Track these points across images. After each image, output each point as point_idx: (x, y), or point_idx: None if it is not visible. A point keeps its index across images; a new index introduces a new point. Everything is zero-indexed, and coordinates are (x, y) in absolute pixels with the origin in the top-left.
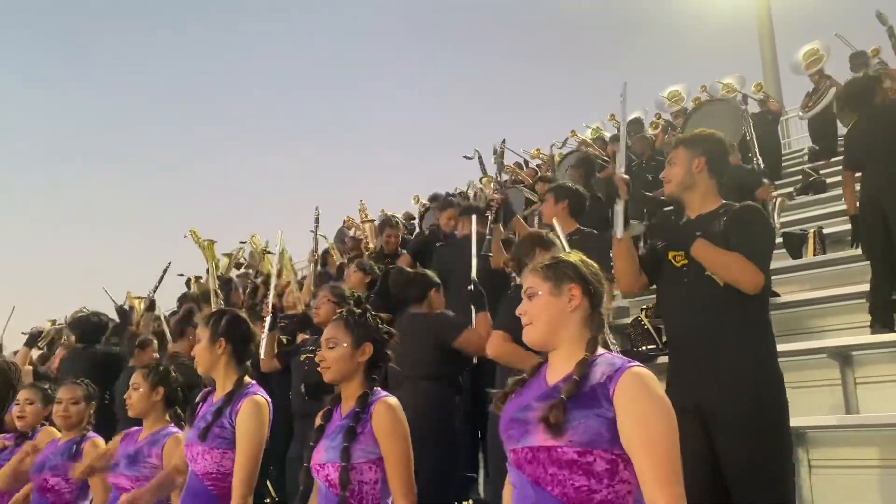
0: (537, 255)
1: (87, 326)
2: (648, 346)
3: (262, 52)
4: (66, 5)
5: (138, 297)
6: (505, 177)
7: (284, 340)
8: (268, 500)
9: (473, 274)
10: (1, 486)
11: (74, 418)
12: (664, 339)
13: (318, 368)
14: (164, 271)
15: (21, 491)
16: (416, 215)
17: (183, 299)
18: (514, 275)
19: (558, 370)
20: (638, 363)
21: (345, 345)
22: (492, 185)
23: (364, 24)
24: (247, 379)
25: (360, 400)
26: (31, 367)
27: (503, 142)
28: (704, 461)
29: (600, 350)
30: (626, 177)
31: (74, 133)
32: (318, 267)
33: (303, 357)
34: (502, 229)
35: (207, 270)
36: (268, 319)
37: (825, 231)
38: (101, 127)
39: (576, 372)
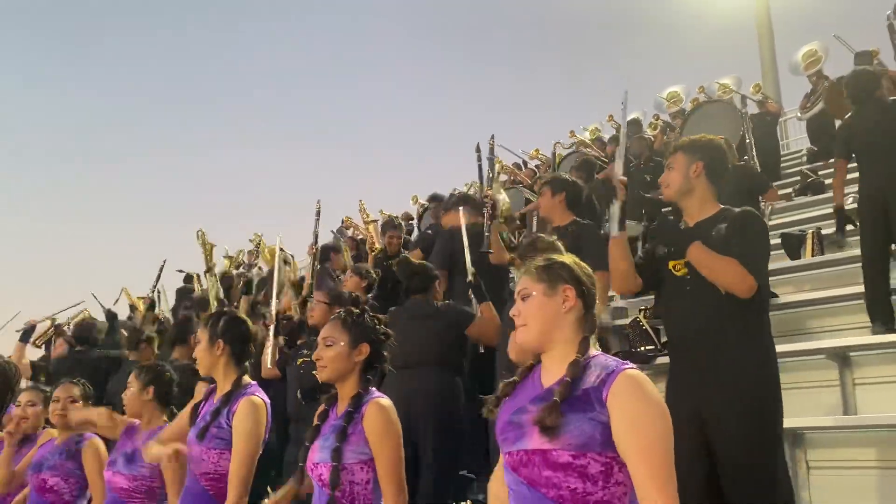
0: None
1: (85, 331)
2: (647, 347)
3: (262, 52)
4: (66, 5)
5: (141, 297)
6: (503, 177)
7: (283, 342)
8: (266, 501)
9: (469, 265)
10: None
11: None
12: (663, 339)
13: (315, 371)
14: (161, 269)
15: (21, 493)
16: (415, 216)
17: (182, 294)
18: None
19: (552, 372)
20: (632, 365)
21: (342, 344)
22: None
23: (364, 24)
24: (246, 379)
25: (354, 400)
26: (27, 362)
27: (492, 138)
28: (702, 463)
29: (594, 351)
30: (624, 178)
31: (74, 133)
32: (317, 262)
33: (299, 361)
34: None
35: (206, 273)
36: (272, 328)
37: (823, 232)
38: (101, 127)
39: (568, 373)
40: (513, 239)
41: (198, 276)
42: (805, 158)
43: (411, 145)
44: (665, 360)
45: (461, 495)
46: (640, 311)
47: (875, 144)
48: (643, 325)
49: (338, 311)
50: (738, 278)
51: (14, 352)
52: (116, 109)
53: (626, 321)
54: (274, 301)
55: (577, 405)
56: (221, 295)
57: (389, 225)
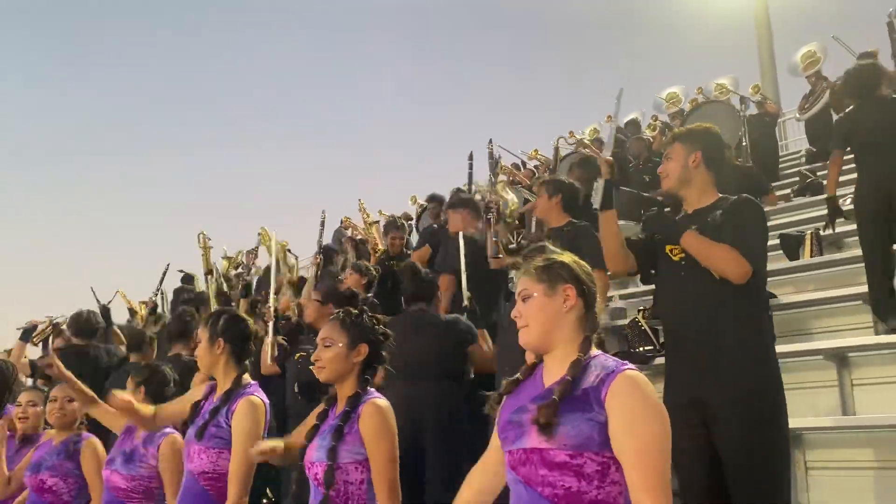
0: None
1: (83, 324)
2: (645, 348)
3: (262, 52)
4: (66, 5)
5: (143, 302)
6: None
7: (282, 341)
8: (265, 501)
9: (465, 290)
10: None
11: (69, 417)
12: (661, 340)
13: (312, 368)
14: (164, 273)
15: (22, 495)
16: (414, 216)
17: (179, 293)
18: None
19: (554, 372)
20: (631, 366)
21: (340, 345)
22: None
23: (364, 24)
24: (245, 378)
25: (351, 400)
26: (26, 361)
27: (490, 142)
28: (703, 458)
29: (595, 351)
30: (609, 158)
31: (74, 132)
32: (319, 270)
33: (297, 356)
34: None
35: (207, 275)
36: (270, 324)
37: (822, 233)
38: (101, 127)
39: (569, 372)
40: (511, 239)
41: (196, 277)
42: (804, 159)
43: (411, 145)
44: (663, 360)
45: None
46: (639, 311)
47: (878, 143)
48: (642, 326)
49: (332, 309)
50: (732, 264)
51: (14, 351)
52: (116, 109)
53: (625, 321)
54: (272, 297)
55: (576, 405)
56: (225, 288)
57: (392, 225)
